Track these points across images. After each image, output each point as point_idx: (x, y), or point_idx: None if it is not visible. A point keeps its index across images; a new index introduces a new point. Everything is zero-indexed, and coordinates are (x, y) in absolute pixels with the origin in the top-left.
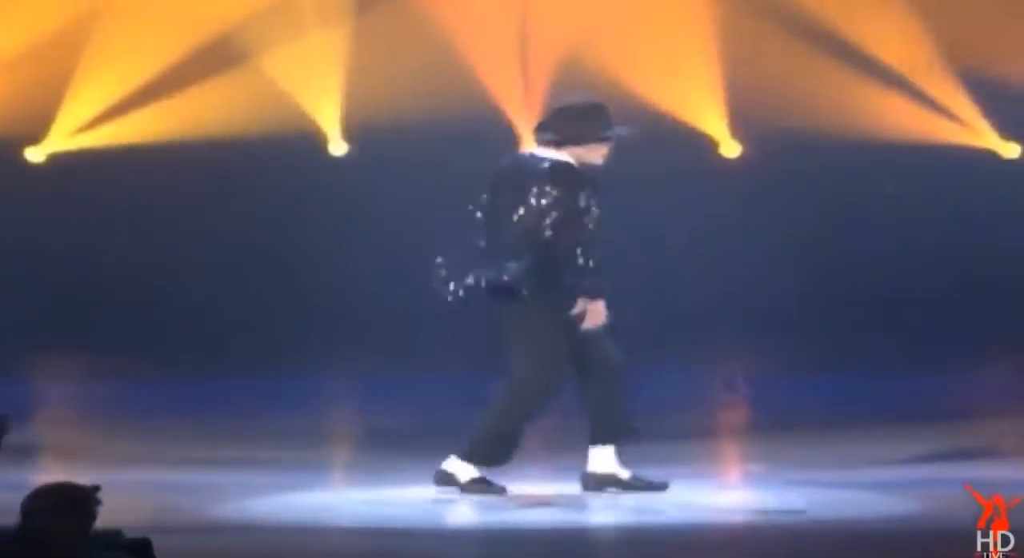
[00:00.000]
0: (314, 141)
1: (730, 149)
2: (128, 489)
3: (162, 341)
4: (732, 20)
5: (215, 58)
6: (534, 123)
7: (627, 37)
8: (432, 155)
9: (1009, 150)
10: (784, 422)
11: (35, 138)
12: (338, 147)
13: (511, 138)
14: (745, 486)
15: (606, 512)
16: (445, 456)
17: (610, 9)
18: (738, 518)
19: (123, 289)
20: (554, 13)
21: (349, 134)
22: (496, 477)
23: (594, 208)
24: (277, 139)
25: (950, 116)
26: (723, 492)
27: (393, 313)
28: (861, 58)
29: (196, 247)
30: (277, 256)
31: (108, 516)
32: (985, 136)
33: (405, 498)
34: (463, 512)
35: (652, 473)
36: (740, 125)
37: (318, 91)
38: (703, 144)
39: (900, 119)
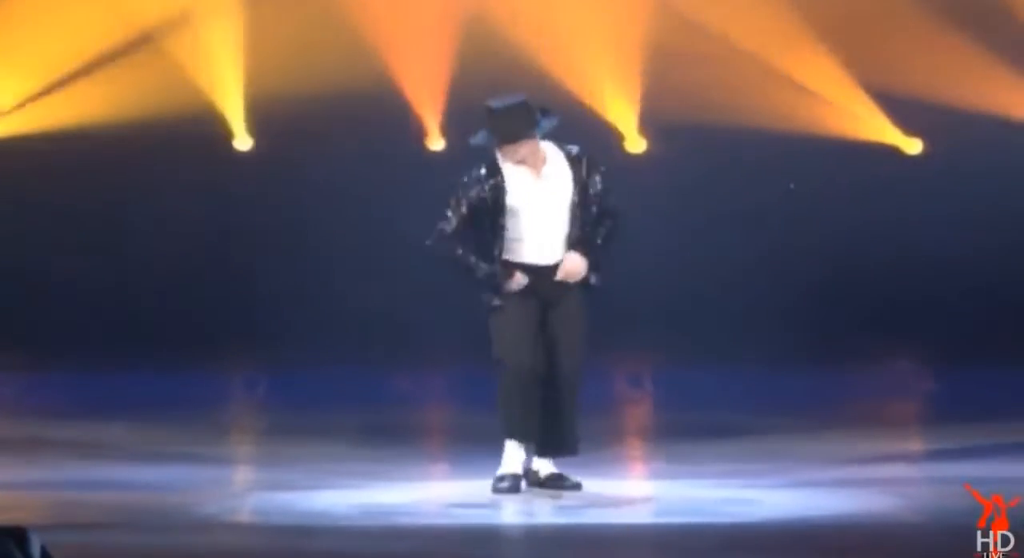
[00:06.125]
0: (219, 135)
1: (636, 144)
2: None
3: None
4: (645, 17)
5: (118, 52)
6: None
7: (537, 26)
8: (336, 150)
9: (911, 146)
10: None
11: None
12: (243, 142)
13: (415, 129)
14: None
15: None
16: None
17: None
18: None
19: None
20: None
21: (254, 129)
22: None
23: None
24: (182, 133)
25: (856, 113)
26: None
27: (298, 308)
28: (770, 58)
29: (108, 243)
30: (189, 251)
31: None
32: (888, 133)
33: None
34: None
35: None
36: (647, 120)
37: (223, 85)
38: (610, 138)
39: (808, 116)
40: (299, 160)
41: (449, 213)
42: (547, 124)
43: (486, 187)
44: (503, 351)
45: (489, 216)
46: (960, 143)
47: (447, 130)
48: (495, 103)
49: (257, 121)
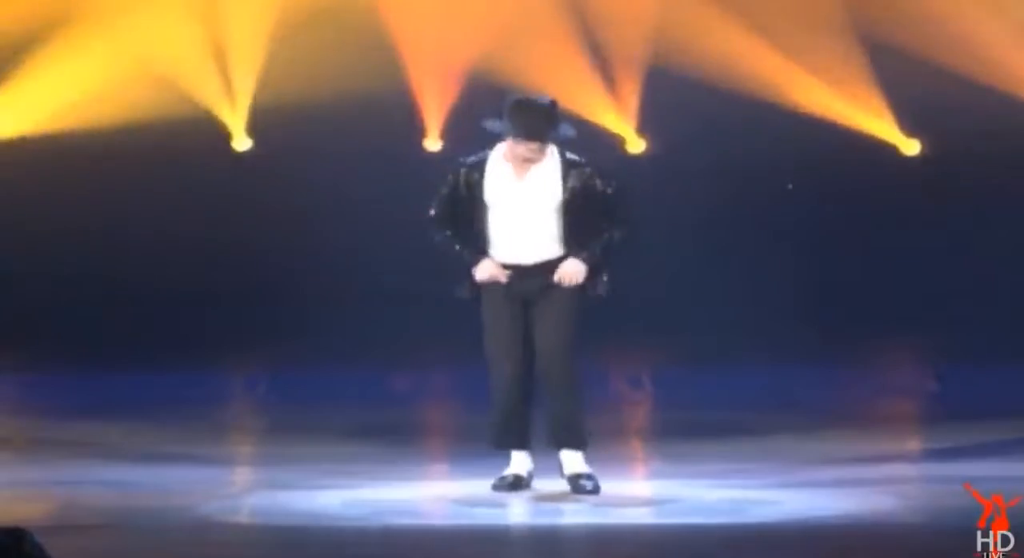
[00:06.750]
0: (219, 136)
1: (635, 145)
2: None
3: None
4: (645, 12)
5: (119, 53)
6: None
7: (537, 33)
8: (336, 150)
9: (910, 146)
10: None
11: None
12: (242, 143)
13: (415, 130)
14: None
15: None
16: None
17: (526, 4)
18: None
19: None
20: (469, 8)
21: (253, 129)
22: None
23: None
24: (182, 133)
25: (857, 111)
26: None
27: (298, 308)
28: (774, 49)
29: (108, 243)
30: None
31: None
32: (889, 131)
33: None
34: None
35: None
36: (647, 120)
37: (224, 86)
38: (607, 141)
39: (807, 113)
40: (299, 160)
41: (435, 195)
42: (565, 132)
43: (462, 175)
44: (488, 358)
45: (467, 205)
46: (962, 138)
47: (446, 131)
48: (523, 98)
49: (257, 122)
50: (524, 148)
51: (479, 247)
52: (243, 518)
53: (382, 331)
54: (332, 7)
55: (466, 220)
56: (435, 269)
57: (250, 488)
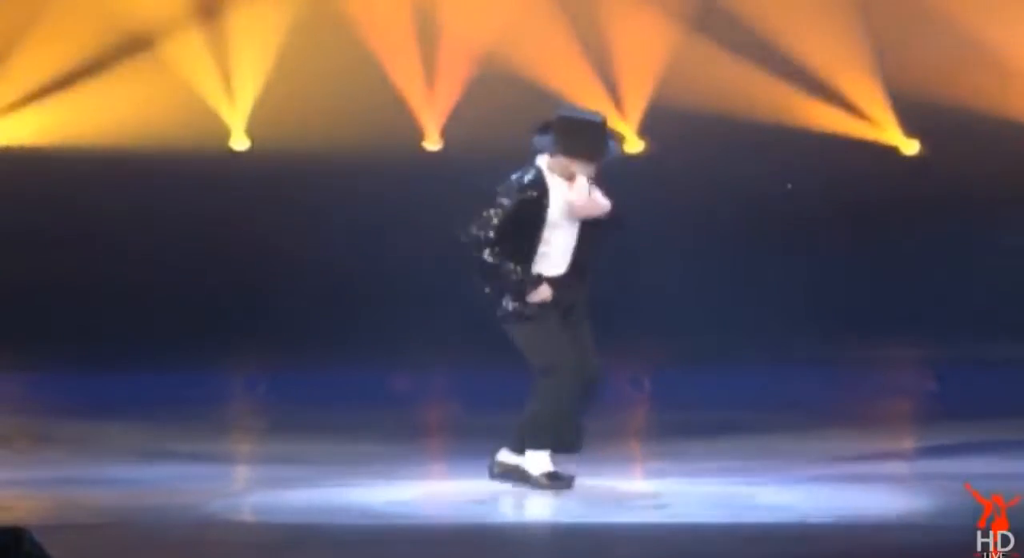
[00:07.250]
0: (217, 136)
1: (633, 145)
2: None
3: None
4: (637, 17)
5: (122, 50)
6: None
7: (536, 33)
8: (335, 150)
9: (910, 147)
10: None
11: None
12: (240, 142)
13: (414, 130)
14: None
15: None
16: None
17: (524, 6)
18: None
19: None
20: (467, 12)
21: (252, 130)
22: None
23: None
24: (182, 134)
25: (860, 113)
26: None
27: (298, 308)
28: (780, 57)
29: (108, 243)
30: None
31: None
32: (890, 132)
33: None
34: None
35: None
36: (647, 121)
37: (224, 87)
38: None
39: (807, 113)
40: (298, 160)
41: (490, 215)
42: (615, 149)
43: (526, 195)
44: (554, 360)
45: (528, 227)
46: (962, 143)
47: (446, 132)
48: (575, 115)
49: (256, 122)
50: (579, 167)
51: (526, 267)
52: (244, 517)
53: (382, 331)
54: (334, 8)
55: (519, 238)
56: (434, 269)
57: (251, 487)
